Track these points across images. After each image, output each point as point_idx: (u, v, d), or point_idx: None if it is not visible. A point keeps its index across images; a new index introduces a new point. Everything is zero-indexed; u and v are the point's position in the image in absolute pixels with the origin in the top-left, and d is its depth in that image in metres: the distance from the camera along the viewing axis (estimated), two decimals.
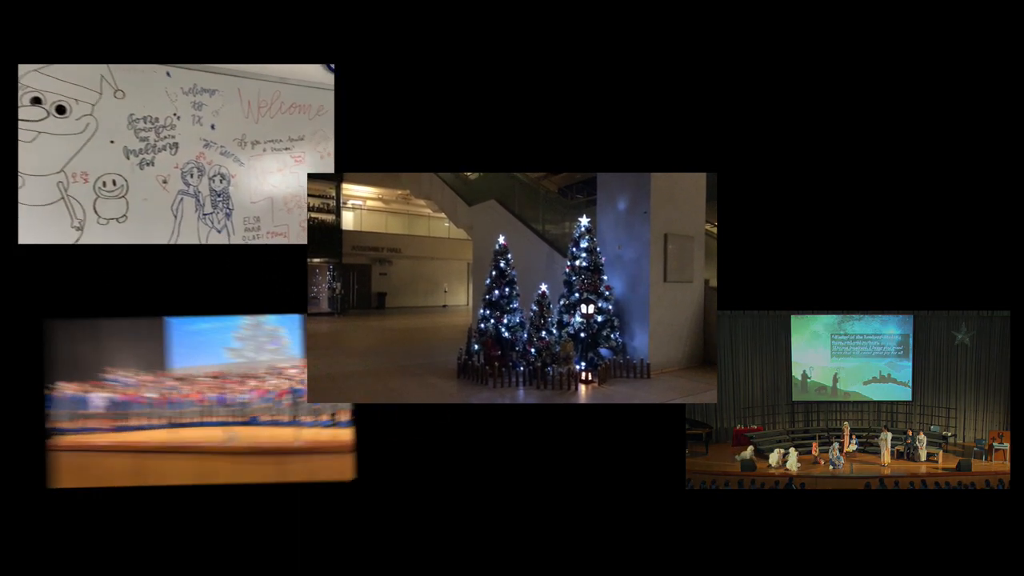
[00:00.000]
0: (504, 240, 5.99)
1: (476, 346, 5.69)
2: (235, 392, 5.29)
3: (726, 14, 3.04)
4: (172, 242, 3.22)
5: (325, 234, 15.99)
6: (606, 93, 3.08)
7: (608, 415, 3.17)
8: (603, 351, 5.59)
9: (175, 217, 3.21)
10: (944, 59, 2.99)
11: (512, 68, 3.06)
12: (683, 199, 6.26)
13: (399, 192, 19.50)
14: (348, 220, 18.88)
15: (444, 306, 20.24)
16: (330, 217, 16.47)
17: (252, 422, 5.11)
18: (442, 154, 3.11)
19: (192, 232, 3.25)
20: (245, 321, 5.98)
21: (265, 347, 6.15)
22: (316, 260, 15.67)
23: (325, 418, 4.77)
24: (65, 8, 2.96)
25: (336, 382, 5.27)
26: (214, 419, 5.24)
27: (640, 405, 3.67)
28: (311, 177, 3.33)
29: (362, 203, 19.88)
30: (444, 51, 3.06)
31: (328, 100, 3.29)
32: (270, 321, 6.11)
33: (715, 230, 5.72)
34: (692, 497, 3.11)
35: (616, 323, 5.77)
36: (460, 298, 21.18)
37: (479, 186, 11.28)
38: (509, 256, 5.87)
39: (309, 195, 3.26)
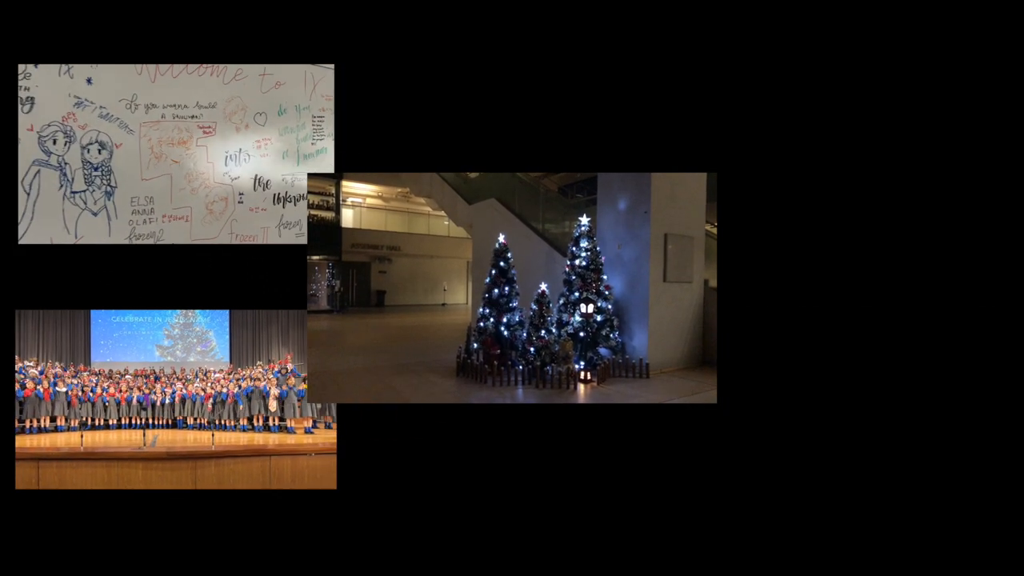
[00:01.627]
0: (504, 239, 5.99)
1: (475, 344, 5.69)
2: (161, 393, 5.16)
3: (726, 13, 3.04)
4: (23, 224, 2.54)
5: (325, 231, 16.01)
6: (606, 93, 3.08)
7: (607, 415, 3.17)
8: (602, 350, 5.60)
9: (27, 194, 2.54)
10: (946, 59, 2.99)
11: (512, 68, 3.06)
12: (683, 199, 6.27)
13: (399, 190, 19.54)
14: (348, 218, 18.91)
15: (443, 304, 20.27)
16: (330, 214, 16.49)
17: (178, 425, 5.02)
18: (442, 154, 3.10)
19: (55, 212, 2.55)
20: (175, 319, 5.94)
21: (194, 348, 6.13)
22: (316, 257, 15.69)
23: (244, 422, 4.76)
24: (64, 8, 2.95)
25: (336, 379, 5.29)
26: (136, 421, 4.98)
27: (639, 405, 3.68)
28: (311, 176, 3.26)
29: (362, 201, 19.90)
30: (445, 51, 3.05)
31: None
32: (200, 322, 6.09)
33: (715, 230, 5.72)
34: (688, 496, 3.11)
35: (615, 323, 5.77)
36: (459, 296, 21.22)
37: (479, 184, 11.29)
38: (509, 255, 5.87)
39: (309, 192, 3.21)
